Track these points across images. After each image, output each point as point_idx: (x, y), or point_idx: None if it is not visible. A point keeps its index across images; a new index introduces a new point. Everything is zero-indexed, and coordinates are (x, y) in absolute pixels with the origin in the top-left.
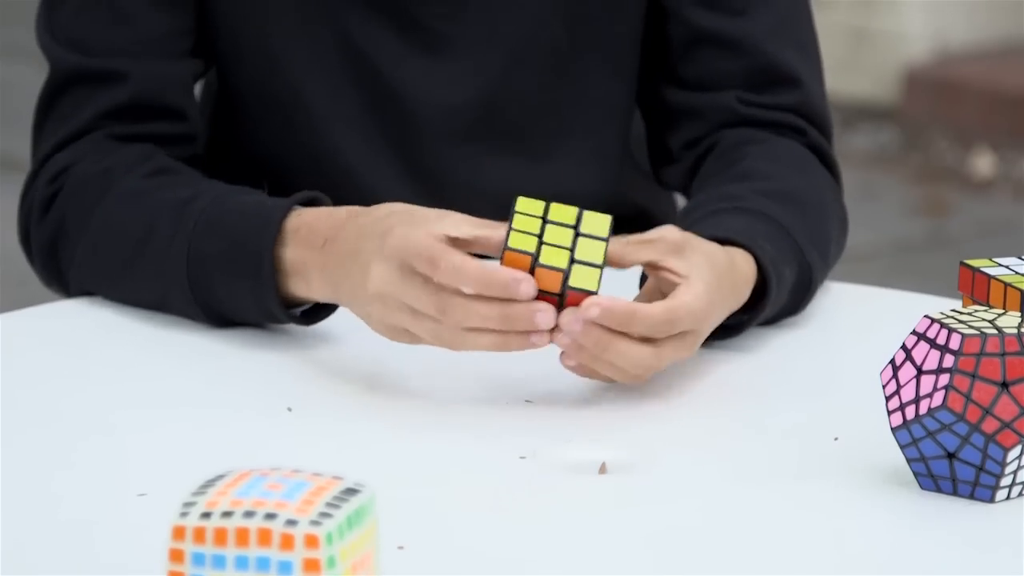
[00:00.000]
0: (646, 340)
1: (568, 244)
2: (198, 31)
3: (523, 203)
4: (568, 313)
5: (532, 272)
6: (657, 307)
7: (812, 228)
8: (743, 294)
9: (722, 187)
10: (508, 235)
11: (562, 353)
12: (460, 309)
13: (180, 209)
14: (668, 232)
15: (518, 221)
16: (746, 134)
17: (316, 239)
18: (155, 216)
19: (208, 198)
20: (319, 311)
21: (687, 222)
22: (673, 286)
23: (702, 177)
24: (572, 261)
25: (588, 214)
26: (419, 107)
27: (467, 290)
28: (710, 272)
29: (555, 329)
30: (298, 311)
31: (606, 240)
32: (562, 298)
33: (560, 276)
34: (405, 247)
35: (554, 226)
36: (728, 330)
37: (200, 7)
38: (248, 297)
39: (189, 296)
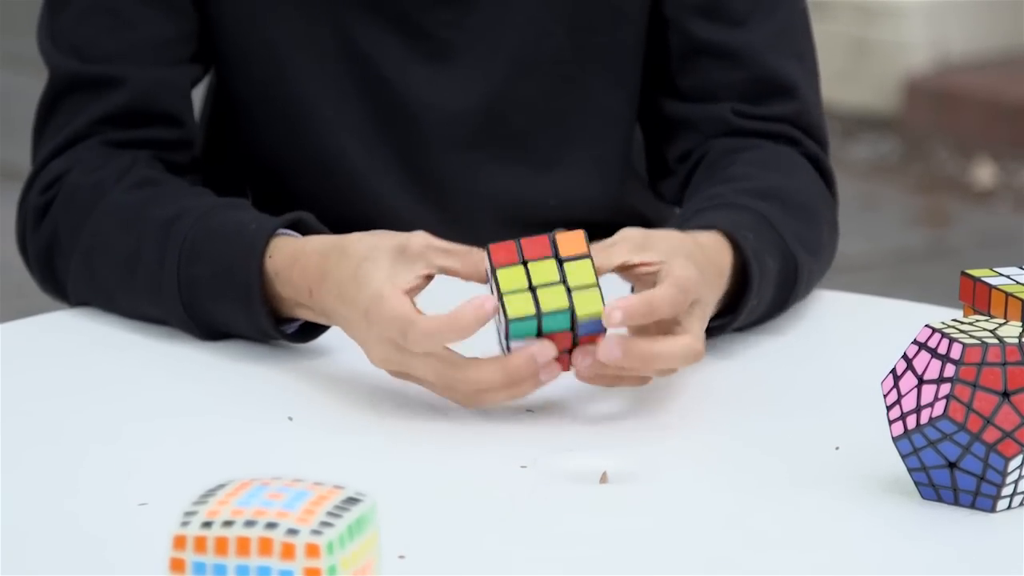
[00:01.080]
0: (673, 330)
1: (557, 278)
2: (200, 36)
3: (503, 274)
4: (605, 343)
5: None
6: (665, 286)
7: (797, 224)
8: (721, 268)
9: (707, 190)
10: (507, 328)
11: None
12: (463, 383)
13: (166, 230)
14: (628, 232)
15: (509, 298)
16: (737, 143)
17: (300, 287)
18: (142, 237)
19: (192, 218)
20: (315, 328)
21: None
22: (654, 276)
23: (692, 186)
24: (569, 291)
25: (560, 236)
26: (423, 114)
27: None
28: (679, 250)
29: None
30: (293, 327)
31: (589, 256)
32: (574, 333)
33: (569, 335)
34: (384, 326)
35: (536, 264)
36: (719, 328)
37: (203, 13)
38: (242, 319)
39: (185, 317)
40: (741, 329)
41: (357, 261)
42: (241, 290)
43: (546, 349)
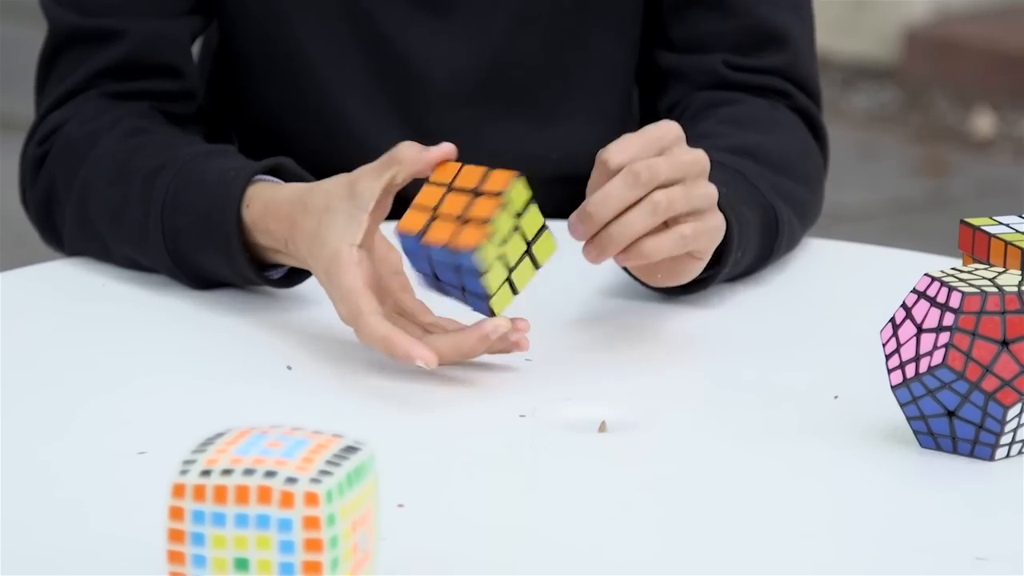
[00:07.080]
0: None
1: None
2: None
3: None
4: (572, 219)
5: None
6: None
7: (772, 176)
8: None
9: None
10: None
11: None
12: (398, 351)
13: (150, 181)
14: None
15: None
16: (719, 97)
17: (277, 237)
18: (128, 188)
19: (174, 169)
20: (300, 272)
21: None
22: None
23: None
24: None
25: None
26: (424, 69)
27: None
28: None
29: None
30: (278, 272)
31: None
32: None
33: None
34: (337, 293)
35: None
36: (707, 279)
37: None
38: (225, 268)
39: (173, 267)
40: (731, 280)
41: (319, 216)
42: (221, 239)
43: (499, 325)
